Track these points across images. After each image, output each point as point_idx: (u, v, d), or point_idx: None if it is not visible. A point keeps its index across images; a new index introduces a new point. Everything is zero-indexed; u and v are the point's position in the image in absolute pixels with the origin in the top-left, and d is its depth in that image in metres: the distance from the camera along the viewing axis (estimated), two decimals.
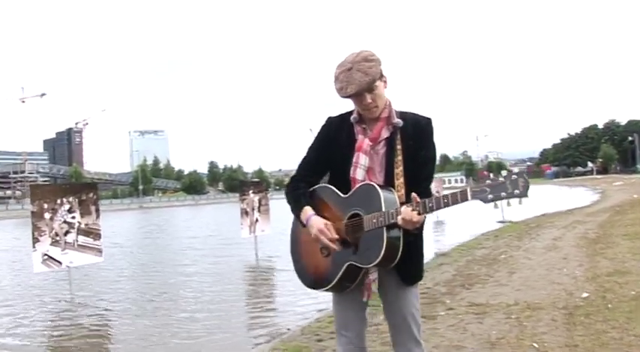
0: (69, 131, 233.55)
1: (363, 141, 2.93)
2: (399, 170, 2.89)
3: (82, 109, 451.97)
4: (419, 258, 3.03)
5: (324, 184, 3.07)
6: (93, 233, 11.75)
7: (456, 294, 7.75)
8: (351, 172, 2.92)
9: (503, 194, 2.48)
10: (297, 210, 3.02)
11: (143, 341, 7.70)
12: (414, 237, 2.82)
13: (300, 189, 3.08)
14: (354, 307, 3.03)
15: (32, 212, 11.17)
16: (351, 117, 3.00)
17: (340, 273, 2.86)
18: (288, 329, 7.45)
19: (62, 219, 11.37)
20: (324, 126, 3.10)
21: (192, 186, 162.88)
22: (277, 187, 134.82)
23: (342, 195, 2.93)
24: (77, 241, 11.47)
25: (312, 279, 3.03)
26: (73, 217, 11.53)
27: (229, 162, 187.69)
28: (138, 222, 49.40)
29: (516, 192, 2.47)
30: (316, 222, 2.90)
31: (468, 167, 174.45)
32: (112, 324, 9.00)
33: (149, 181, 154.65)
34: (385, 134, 2.94)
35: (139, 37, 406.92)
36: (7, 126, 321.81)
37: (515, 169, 2.59)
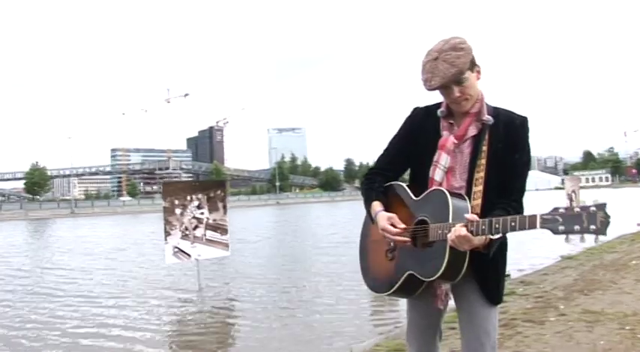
0: (210, 129, 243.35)
1: (448, 139, 2.67)
2: (479, 175, 2.61)
3: (223, 108, 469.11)
4: (501, 277, 2.75)
5: (399, 182, 2.81)
6: (220, 228, 12.27)
7: (572, 300, 7.42)
8: (431, 172, 2.68)
9: (577, 227, 2.15)
10: (367, 204, 2.81)
11: (263, 335, 8.00)
12: (486, 255, 2.53)
13: (374, 182, 2.84)
14: (426, 316, 2.83)
15: (164, 207, 11.87)
16: (439, 111, 2.72)
17: (400, 281, 2.65)
18: (397, 326, 7.48)
19: (192, 215, 11.99)
20: (408, 117, 2.85)
21: (329, 182, 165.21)
22: None
23: (413, 197, 2.69)
24: (205, 236, 12.04)
25: (374, 282, 2.85)
26: (202, 213, 12.12)
27: (366, 160, 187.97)
28: (271, 218, 50.89)
29: (592, 227, 2.13)
30: (381, 218, 2.67)
31: (614, 165, 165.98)
32: (234, 317, 9.45)
33: (286, 178, 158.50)
34: (472, 131, 2.66)
35: (277, 36, 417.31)
36: (154, 125, 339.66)
37: (595, 200, 2.20)
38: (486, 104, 2.68)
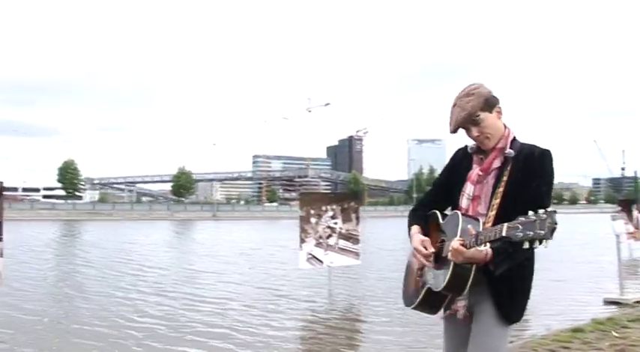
0: (350, 138, 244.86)
1: (474, 171, 2.94)
2: (496, 202, 2.82)
3: (363, 118, 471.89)
4: (518, 297, 2.86)
5: (435, 210, 3.06)
6: (352, 238, 12.91)
7: None
8: (459, 200, 2.96)
9: (530, 233, 2.33)
10: (408, 229, 3.11)
11: (381, 347, 8.26)
12: (492, 271, 2.69)
13: (416, 210, 3.19)
14: (457, 337, 2.99)
15: (300, 216, 12.67)
16: (468, 148, 3.02)
17: (422, 295, 2.92)
18: (520, 337, 7.65)
19: (326, 224, 12.71)
20: (451, 158, 3.15)
21: None
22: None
23: (441, 221, 2.97)
24: (338, 244, 12.73)
25: (405, 296, 3.14)
26: (335, 223, 12.82)
27: None
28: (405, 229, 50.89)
29: (541, 232, 2.31)
30: (414, 240, 2.97)
31: None
32: (360, 323, 9.92)
33: (424, 190, 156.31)
34: (496, 164, 2.89)
35: (419, 46, 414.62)
36: (295, 133, 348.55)
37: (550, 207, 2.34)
38: (515, 140, 2.91)
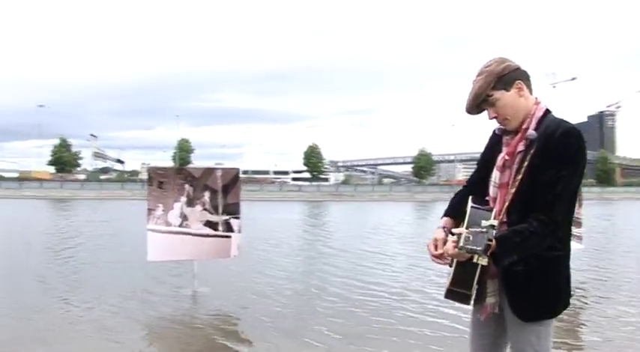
0: (600, 114, 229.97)
1: (500, 156, 2.67)
2: (512, 191, 2.55)
3: (614, 91, 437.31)
4: (537, 292, 2.59)
5: (471, 197, 2.74)
6: (575, 221, 12.27)
7: None
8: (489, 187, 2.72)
9: (471, 247, 2.27)
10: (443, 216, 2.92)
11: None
12: (516, 270, 2.52)
13: (455, 197, 2.94)
14: (483, 335, 2.84)
15: None
16: (496, 129, 2.77)
17: (445, 289, 2.70)
18: None
19: None
20: (489, 138, 2.87)
21: None
22: None
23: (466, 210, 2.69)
24: None
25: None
26: None
27: None
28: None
29: (478, 249, 2.25)
30: (435, 233, 2.76)
31: None
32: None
33: None
34: (520, 147, 2.60)
35: None
36: None
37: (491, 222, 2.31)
38: (546, 117, 2.64)
